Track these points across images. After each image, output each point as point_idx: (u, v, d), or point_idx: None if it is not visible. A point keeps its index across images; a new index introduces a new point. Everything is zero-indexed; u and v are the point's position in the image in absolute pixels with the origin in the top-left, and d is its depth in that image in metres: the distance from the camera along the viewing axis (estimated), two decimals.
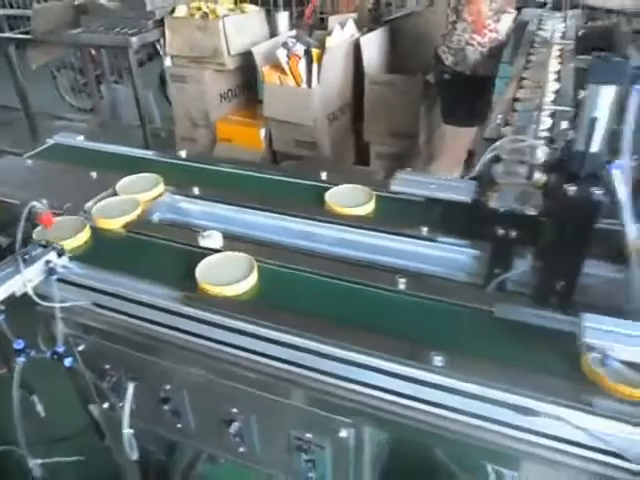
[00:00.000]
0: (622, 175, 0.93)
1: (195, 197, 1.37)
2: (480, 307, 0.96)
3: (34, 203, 1.19)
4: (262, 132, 3.35)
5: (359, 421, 0.93)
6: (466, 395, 0.82)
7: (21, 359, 1.08)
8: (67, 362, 1.13)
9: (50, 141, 1.73)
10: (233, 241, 1.18)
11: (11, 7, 5.10)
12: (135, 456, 1.11)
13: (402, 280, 1.01)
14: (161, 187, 1.39)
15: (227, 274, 1.04)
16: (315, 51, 3.01)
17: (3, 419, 1.11)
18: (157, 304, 1.04)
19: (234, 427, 1.07)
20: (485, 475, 0.90)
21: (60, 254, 1.13)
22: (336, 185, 1.31)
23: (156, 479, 1.54)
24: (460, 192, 1.19)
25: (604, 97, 0.91)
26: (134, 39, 3.29)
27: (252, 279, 1.03)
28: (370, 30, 3.35)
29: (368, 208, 1.24)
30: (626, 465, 0.77)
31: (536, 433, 0.80)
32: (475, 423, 0.83)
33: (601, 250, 1.04)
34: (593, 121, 0.93)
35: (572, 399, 0.78)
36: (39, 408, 1.26)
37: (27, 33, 3.77)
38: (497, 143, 1.25)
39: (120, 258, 1.16)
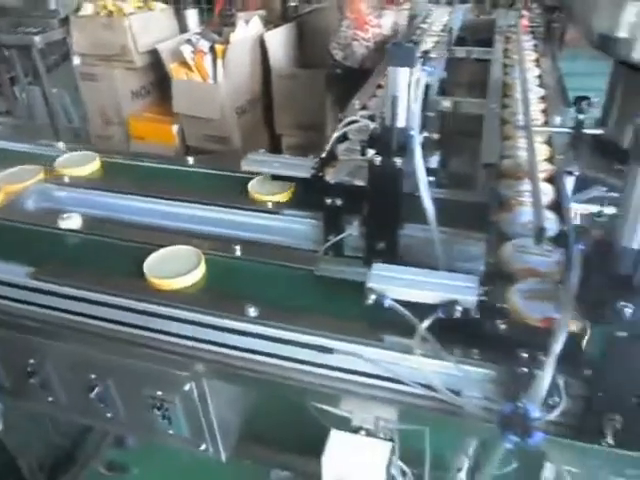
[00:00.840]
0: (417, 147, 1.07)
1: (68, 185, 1.44)
2: (304, 267, 1.09)
3: None
4: (174, 128, 3.41)
5: (196, 374, 1.04)
6: (274, 340, 0.94)
7: None
8: None
9: None
10: (94, 223, 1.27)
11: None
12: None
13: (237, 247, 1.13)
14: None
15: None
16: (219, 47, 3.10)
17: None
18: (10, 281, 1.12)
19: (96, 392, 1.15)
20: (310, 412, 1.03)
21: None
22: None
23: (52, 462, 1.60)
24: (303, 170, 1.31)
25: (401, 77, 1.05)
26: (37, 38, 3.28)
27: None
28: (277, 26, 3.46)
29: None
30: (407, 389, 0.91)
31: (335, 369, 0.94)
32: (286, 365, 0.96)
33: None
34: (395, 99, 1.07)
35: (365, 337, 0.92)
36: None
37: None
38: (342, 123, 1.39)
39: None
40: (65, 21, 3.43)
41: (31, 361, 1.19)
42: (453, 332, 0.87)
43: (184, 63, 3.21)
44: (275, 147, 3.51)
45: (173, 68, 3.21)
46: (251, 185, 1.34)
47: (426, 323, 0.87)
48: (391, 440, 0.98)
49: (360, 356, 0.91)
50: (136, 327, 1.04)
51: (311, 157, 1.37)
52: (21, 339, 1.16)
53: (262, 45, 3.32)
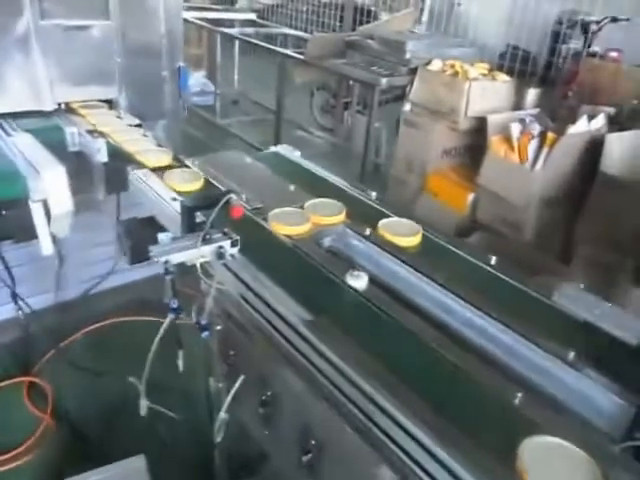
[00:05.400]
0: None
1: (364, 237, 1.44)
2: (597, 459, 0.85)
3: (233, 195, 1.38)
4: (470, 197, 3.32)
5: None
6: None
7: (171, 316, 1.26)
8: (204, 334, 1.30)
9: (272, 148, 1.98)
10: (378, 289, 1.22)
11: (300, 30, 5.90)
12: (219, 438, 1.22)
13: (519, 395, 0.94)
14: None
15: None
16: (550, 135, 2.89)
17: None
18: (288, 319, 1.13)
19: (307, 457, 1.10)
20: None
21: (234, 244, 1.30)
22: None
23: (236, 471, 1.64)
24: (628, 330, 1.05)
25: None
26: (384, 80, 3.55)
27: None
28: (622, 129, 3.09)
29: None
30: None
31: None
32: None
33: None
34: None
35: None
36: (180, 363, 1.44)
37: (302, 54, 4.32)
38: None
39: (277, 265, 1.28)
40: (412, 71, 3.64)
41: (269, 393, 1.20)
42: None
43: (507, 139, 3.09)
44: (566, 255, 3.14)
45: (494, 141, 3.12)
46: None
47: None
48: None
49: None
50: (380, 430, 0.94)
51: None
52: (271, 368, 1.18)
53: (598, 144, 2.99)
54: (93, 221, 2.20)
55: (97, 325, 2.67)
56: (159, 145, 1.88)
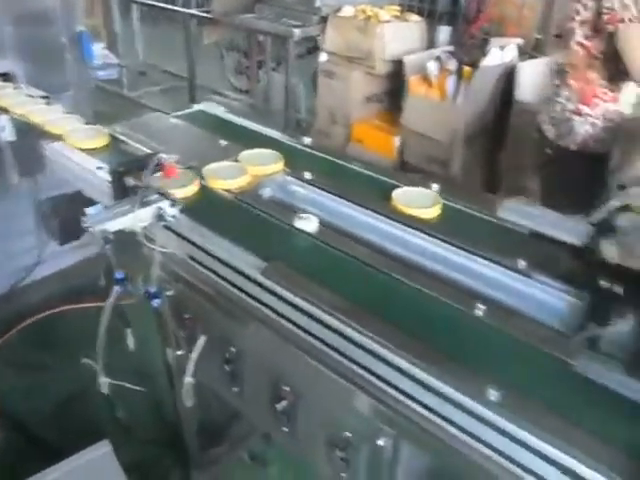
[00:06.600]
0: None
1: (305, 181, 1.41)
2: (555, 354, 0.89)
3: (163, 155, 1.31)
4: (396, 140, 3.36)
5: (399, 433, 0.91)
6: (512, 439, 0.77)
7: (118, 288, 1.19)
8: (155, 302, 1.24)
9: (196, 107, 1.89)
10: (330, 230, 1.21)
11: None
12: (190, 404, 1.18)
13: (480, 306, 0.96)
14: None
15: None
16: (467, 69, 2.96)
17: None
18: (242, 270, 1.10)
19: (282, 404, 1.09)
20: None
21: (173, 204, 1.24)
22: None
23: (207, 436, 1.62)
24: (572, 234, 1.10)
25: None
26: (296, 31, 3.47)
27: None
28: (532, 58, 3.20)
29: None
30: None
31: None
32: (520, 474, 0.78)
33: None
34: None
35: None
36: (130, 341, 1.38)
37: (208, 12, 4.13)
38: (629, 190, 1.15)
39: (221, 220, 1.24)
40: (323, 19, 3.57)
41: (232, 349, 1.17)
42: None
43: (425, 78, 3.13)
44: (494, 185, 3.27)
45: (413, 81, 3.15)
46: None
47: None
48: None
49: None
50: (353, 361, 0.94)
51: (580, 218, 1.16)
52: (231, 324, 1.15)
53: (511, 74, 3.09)
54: (9, 209, 2.03)
55: (32, 319, 2.51)
56: (68, 113, 1.73)
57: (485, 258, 1.09)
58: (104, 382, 1.20)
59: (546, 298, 1.04)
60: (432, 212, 1.25)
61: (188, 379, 1.19)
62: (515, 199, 1.20)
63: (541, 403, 0.79)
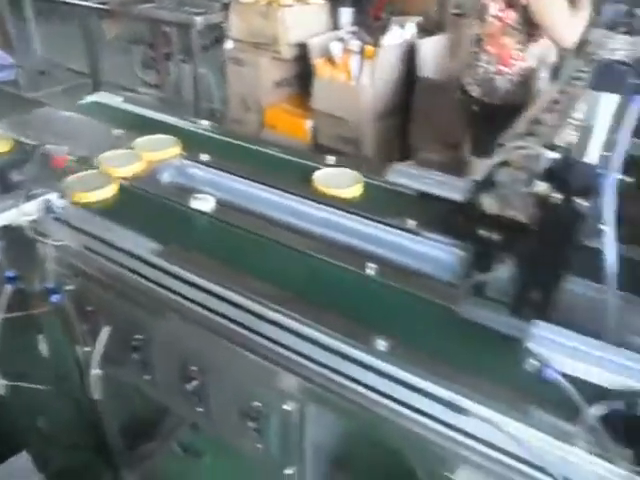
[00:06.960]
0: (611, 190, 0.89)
1: (202, 164, 1.40)
2: (442, 303, 0.95)
3: (49, 146, 1.26)
4: (308, 123, 3.38)
5: (303, 395, 0.93)
6: (401, 383, 0.81)
7: (9, 287, 1.14)
8: (53, 298, 1.20)
9: (89, 98, 1.83)
10: (227, 208, 1.21)
11: None
12: (97, 396, 1.16)
13: (371, 265, 1.00)
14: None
15: None
16: (369, 48, 3.02)
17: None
18: (139, 255, 1.08)
19: (192, 384, 1.09)
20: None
21: (62, 196, 1.20)
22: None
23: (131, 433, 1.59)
24: (456, 191, 1.17)
25: (604, 105, 0.88)
26: (198, 19, 3.41)
27: None
28: (432, 35, 3.31)
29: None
30: None
31: (466, 434, 0.78)
32: (409, 414, 0.82)
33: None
34: (590, 129, 0.90)
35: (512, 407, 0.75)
36: (42, 347, 1.33)
37: (105, 4, 3.97)
38: (505, 147, 1.23)
39: (115, 207, 1.21)
40: (225, 6, 3.52)
41: (138, 336, 1.15)
42: (632, 431, 0.68)
43: (330, 60, 3.17)
44: (406, 160, 3.37)
45: (318, 64, 3.18)
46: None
47: (598, 410, 0.69)
48: None
49: (501, 428, 0.75)
50: (252, 331, 0.95)
51: (466, 178, 1.23)
52: (134, 311, 1.13)
53: (413, 52, 3.19)
54: None
55: None
56: None
57: (376, 221, 1.13)
58: (1, 383, 1.15)
59: (435, 253, 1.10)
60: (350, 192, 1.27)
61: (94, 371, 1.17)
62: (402, 163, 1.25)
63: (430, 348, 0.84)
